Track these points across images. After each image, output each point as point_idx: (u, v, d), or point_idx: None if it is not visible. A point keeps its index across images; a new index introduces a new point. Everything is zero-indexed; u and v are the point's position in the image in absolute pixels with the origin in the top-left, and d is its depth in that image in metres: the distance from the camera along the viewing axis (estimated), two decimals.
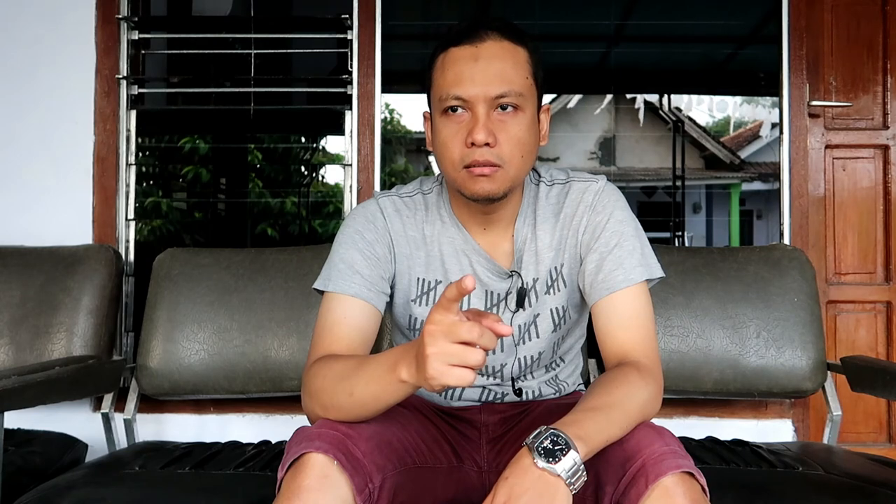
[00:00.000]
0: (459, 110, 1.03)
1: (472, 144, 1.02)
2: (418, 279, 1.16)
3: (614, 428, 0.91)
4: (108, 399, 1.68)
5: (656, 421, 0.98)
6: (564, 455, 0.83)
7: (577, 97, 2.86)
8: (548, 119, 1.13)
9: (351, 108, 2.20)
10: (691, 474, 0.87)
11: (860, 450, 1.58)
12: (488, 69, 1.02)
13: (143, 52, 2.26)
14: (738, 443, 1.58)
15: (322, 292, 1.11)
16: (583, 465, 0.84)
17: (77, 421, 1.86)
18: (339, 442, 0.90)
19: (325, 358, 1.02)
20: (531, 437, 0.86)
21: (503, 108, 1.03)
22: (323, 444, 0.88)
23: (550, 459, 0.83)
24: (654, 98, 2.82)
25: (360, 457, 0.91)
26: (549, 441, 0.84)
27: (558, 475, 0.83)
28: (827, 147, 2.27)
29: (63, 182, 2.13)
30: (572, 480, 0.83)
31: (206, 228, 2.79)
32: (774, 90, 2.26)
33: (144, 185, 2.70)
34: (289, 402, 1.95)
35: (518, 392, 1.20)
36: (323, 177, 2.85)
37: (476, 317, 0.82)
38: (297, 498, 0.85)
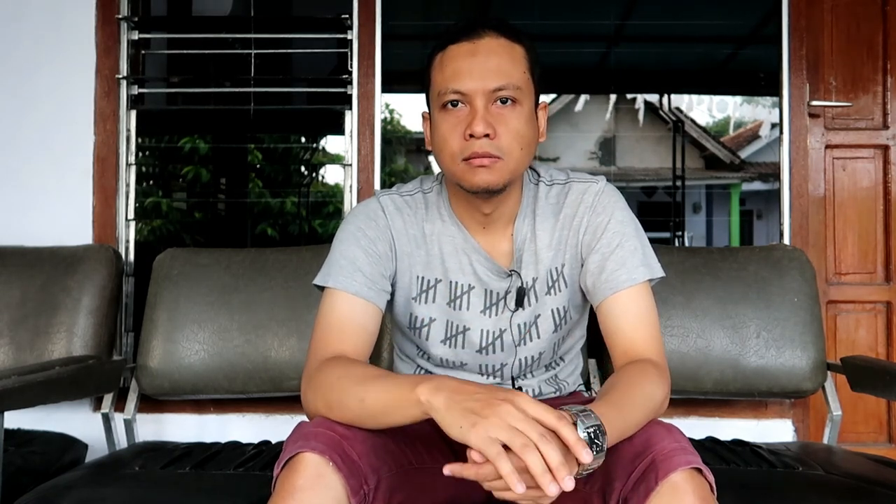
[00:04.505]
0: (459, 104, 1.04)
1: (471, 136, 1.02)
2: (418, 277, 1.16)
3: (630, 423, 0.92)
4: (108, 399, 1.68)
5: None
6: (599, 435, 0.84)
7: (582, 101, 2.86)
8: (545, 116, 1.14)
9: (351, 108, 2.19)
10: (700, 471, 0.88)
11: (860, 450, 1.58)
12: (486, 63, 1.03)
13: (143, 52, 2.26)
14: (738, 443, 1.58)
15: (322, 288, 1.11)
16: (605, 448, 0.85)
17: (77, 421, 1.86)
18: (335, 443, 0.90)
19: (341, 358, 1.02)
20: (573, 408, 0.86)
21: (502, 101, 1.04)
22: (318, 445, 0.88)
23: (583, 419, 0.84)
24: (654, 98, 2.82)
25: (355, 458, 0.90)
26: (589, 420, 0.85)
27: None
28: (827, 147, 2.26)
29: (63, 182, 2.12)
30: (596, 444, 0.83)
31: (206, 228, 2.79)
32: (774, 90, 2.26)
33: (144, 185, 2.70)
34: (289, 402, 1.94)
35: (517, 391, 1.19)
36: (323, 177, 2.85)
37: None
38: (290, 497, 0.85)
